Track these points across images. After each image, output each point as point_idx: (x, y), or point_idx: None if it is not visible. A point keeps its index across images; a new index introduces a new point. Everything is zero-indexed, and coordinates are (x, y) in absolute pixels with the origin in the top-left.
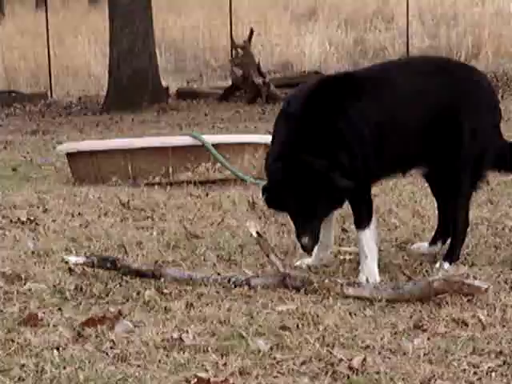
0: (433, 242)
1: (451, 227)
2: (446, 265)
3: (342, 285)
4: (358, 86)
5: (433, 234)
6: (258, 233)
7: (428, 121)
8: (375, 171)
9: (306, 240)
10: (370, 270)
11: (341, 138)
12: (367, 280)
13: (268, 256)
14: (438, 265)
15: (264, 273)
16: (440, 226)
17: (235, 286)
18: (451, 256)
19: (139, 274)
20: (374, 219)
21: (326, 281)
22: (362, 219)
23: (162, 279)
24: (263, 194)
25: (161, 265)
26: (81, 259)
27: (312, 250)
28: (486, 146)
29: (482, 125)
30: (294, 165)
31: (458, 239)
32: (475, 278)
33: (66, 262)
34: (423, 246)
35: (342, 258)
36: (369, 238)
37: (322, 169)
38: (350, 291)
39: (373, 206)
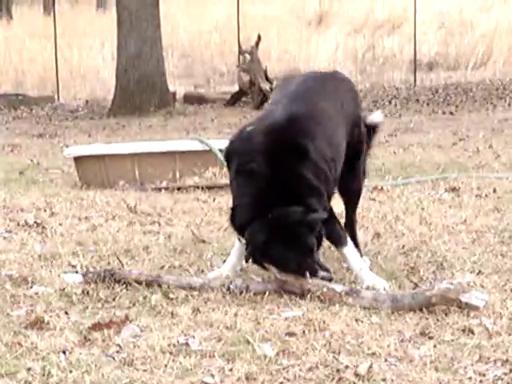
0: None
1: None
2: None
3: (340, 294)
4: (306, 130)
5: None
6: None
7: (346, 133)
8: (332, 194)
9: (322, 274)
10: (372, 278)
11: (309, 187)
12: (374, 288)
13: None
14: None
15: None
16: None
17: (237, 292)
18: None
19: (138, 283)
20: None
21: (325, 289)
22: (341, 236)
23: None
24: (253, 257)
25: (159, 274)
26: (78, 278)
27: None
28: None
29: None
30: (273, 221)
31: None
32: (482, 286)
33: (74, 266)
34: None
35: (346, 265)
36: (353, 250)
37: (300, 216)
38: (350, 300)
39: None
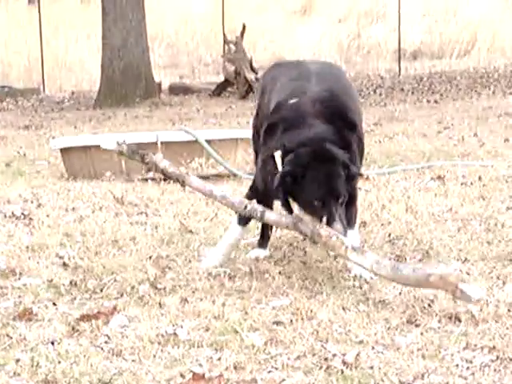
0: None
1: None
2: None
3: (347, 247)
4: (349, 105)
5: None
6: None
7: None
8: None
9: (338, 225)
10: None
11: (355, 158)
12: (361, 277)
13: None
14: None
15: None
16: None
17: (250, 215)
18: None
19: (164, 173)
20: None
21: (334, 238)
22: (352, 218)
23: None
24: (283, 181)
25: (187, 172)
26: (112, 146)
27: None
28: None
29: None
30: (320, 152)
31: None
32: (468, 274)
33: (61, 257)
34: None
35: None
36: (357, 236)
37: (348, 160)
38: (353, 256)
39: None
